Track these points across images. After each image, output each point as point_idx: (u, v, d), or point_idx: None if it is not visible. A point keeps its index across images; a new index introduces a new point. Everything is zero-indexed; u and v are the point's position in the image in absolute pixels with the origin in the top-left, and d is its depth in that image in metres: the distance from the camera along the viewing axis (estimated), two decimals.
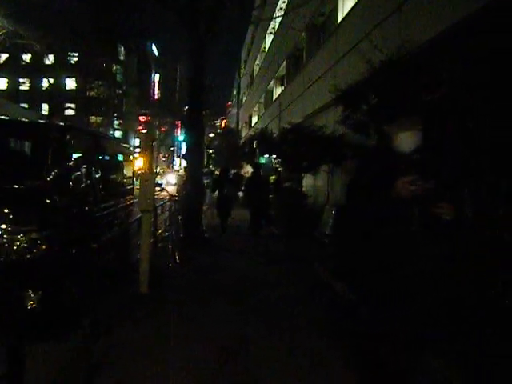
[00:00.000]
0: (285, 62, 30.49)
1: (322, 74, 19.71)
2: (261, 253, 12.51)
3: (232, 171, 24.36)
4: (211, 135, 66.89)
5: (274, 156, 24.29)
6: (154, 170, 69.78)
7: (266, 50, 41.04)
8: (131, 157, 10.98)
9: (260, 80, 45.10)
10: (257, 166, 15.74)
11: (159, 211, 13.02)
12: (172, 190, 24.98)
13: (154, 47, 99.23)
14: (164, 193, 15.39)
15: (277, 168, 23.18)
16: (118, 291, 7.92)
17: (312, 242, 13.94)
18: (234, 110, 77.42)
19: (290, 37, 28.45)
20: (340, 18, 18.38)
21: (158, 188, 11.90)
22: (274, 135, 26.41)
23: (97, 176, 7.29)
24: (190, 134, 13.24)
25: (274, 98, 35.75)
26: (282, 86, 35.06)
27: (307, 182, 19.45)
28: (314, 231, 14.69)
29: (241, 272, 10.49)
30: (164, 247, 11.72)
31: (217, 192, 16.53)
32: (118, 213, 8.80)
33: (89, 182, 6.91)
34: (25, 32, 33.37)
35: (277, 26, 34.58)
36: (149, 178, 8.31)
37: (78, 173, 6.58)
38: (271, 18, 31.20)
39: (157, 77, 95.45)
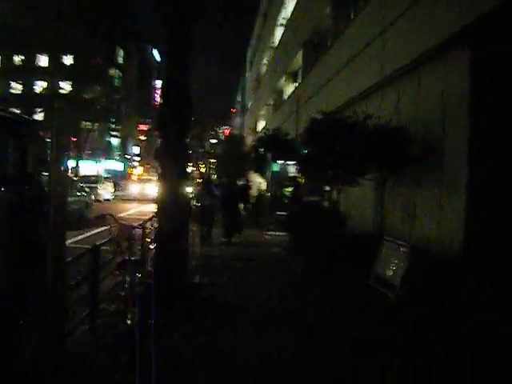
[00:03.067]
0: (301, 52, 25.67)
1: (360, 50, 14.59)
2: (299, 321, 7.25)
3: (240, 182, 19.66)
4: (213, 141, 62.27)
5: (291, 162, 19.14)
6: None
7: (276, 44, 36.64)
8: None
9: (268, 80, 41.27)
10: None
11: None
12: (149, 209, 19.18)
13: (155, 52, 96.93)
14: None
15: (294, 177, 17.91)
16: None
17: (366, 295, 8.76)
18: (239, 119, 73.86)
19: (306, 22, 23.99)
20: None
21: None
22: (289, 137, 21.42)
23: None
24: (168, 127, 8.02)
25: (286, 97, 31.12)
26: (294, 81, 30.72)
27: (344, 197, 13.93)
28: (359, 273, 9.55)
29: None
30: (112, 312, 6.53)
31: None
32: None
33: None
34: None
35: (289, 15, 30.22)
36: None
37: None
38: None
39: (158, 83, 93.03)
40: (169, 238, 7.57)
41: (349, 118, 11.10)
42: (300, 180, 17.71)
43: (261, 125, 46.00)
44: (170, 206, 7.55)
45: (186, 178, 8.06)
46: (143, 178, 51.07)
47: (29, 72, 39.20)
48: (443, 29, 9.26)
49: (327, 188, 14.16)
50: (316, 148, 11.49)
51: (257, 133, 46.08)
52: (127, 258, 5.28)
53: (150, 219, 10.93)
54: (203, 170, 52.72)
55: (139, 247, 8.28)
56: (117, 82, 68.22)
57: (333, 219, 11.85)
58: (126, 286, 5.20)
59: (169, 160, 7.60)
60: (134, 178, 49.03)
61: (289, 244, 14.15)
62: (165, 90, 8.03)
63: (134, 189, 43.41)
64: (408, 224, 10.74)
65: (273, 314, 7.44)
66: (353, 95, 14.92)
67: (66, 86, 47.77)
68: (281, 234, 17.68)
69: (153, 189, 29.59)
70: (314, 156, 11.75)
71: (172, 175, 7.59)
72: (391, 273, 8.47)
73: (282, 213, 18.87)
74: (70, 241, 11.81)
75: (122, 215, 18.00)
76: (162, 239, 7.65)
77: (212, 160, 54.43)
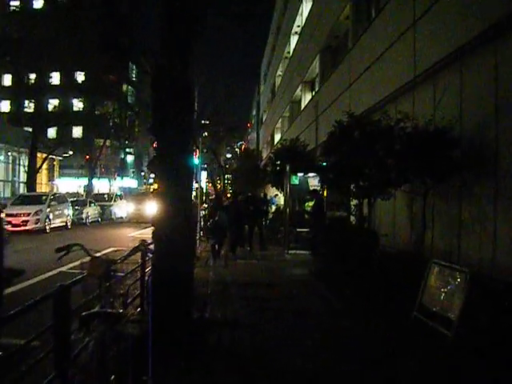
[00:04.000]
0: (317, 58, 24.28)
1: (386, 48, 13.10)
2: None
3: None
4: (228, 156, 61.07)
5: (311, 174, 17.61)
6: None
7: (291, 53, 35.42)
8: None
9: (283, 91, 39.83)
10: None
11: None
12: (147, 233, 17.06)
13: None
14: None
15: (315, 191, 16.32)
16: None
17: (415, 330, 7.13)
18: (254, 134, 73.06)
19: (323, 26, 22.65)
20: None
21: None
22: (308, 148, 19.94)
23: None
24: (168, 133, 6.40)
25: (303, 107, 29.62)
26: (311, 90, 29.48)
27: (374, 211, 12.27)
28: (400, 301, 7.96)
29: None
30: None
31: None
32: None
33: None
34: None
35: (304, 21, 28.90)
36: None
37: None
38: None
39: None
40: (169, 268, 6.04)
41: (381, 120, 9.58)
42: (322, 193, 16.14)
43: (277, 138, 44.49)
44: (170, 230, 6.01)
45: (190, 192, 6.55)
46: (141, 193, 47.96)
47: (41, 89, 38.33)
48: (496, 8, 7.75)
49: (354, 201, 12.60)
50: (342, 155, 9.96)
51: (273, 146, 44.69)
52: (100, 309, 3.73)
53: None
54: (219, 186, 51.39)
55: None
56: (130, 100, 68.16)
57: (365, 238, 10.29)
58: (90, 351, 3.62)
59: (168, 171, 6.07)
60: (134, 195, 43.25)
61: (316, 266, 12.62)
62: (156, 74, 6.40)
63: (128, 208, 36.23)
64: (454, 243, 9.15)
65: (311, 369, 5.79)
66: (380, 98, 13.38)
67: (78, 104, 47.23)
68: (303, 252, 16.17)
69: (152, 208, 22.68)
70: (339, 165, 10.23)
71: (172, 190, 6.05)
72: (444, 304, 6.84)
73: (303, 229, 17.36)
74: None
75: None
76: (160, 271, 6.11)
77: (228, 176, 53.18)
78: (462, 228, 8.93)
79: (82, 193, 52.37)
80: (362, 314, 8.19)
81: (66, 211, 27.61)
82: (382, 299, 8.45)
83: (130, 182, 71.83)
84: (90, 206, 33.56)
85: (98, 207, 35.04)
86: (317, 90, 25.40)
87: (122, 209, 39.12)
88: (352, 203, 12.70)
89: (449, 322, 6.54)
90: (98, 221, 34.31)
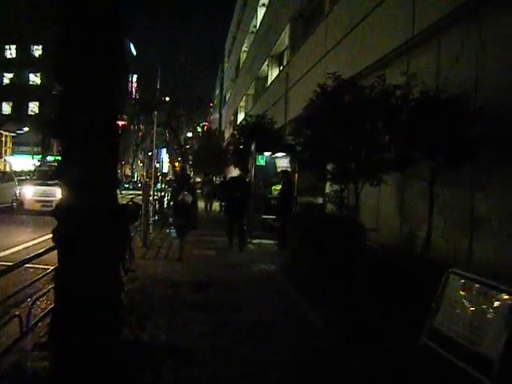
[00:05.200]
0: (287, 29, 22.33)
1: (374, 7, 11.13)
2: None
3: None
4: (189, 135, 58.79)
5: (280, 154, 15.66)
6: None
7: (257, 26, 33.55)
8: None
9: (248, 67, 38.10)
10: None
11: None
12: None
13: (131, 46, 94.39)
14: None
15: (286, 172, 14.28)
16: None
17: (427, 366, 5.16)
18: (217, 115, 71.71)
19: None
20: None
21: None
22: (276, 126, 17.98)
23: None
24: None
25: (269, 83, 27.85)
26: (279, 65, 27.70)
27: (362, 198, 9.96)
28: (399, 317, 6.09)
29: None
30: None
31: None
32: None
33: None
34: None
35: None
36: None
37: None
38: None
39: (134, 78, 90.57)
40: (82, 286, 3.93)
41: (374, 85, 7.62)
42: (293, 176, 14.19)
43: (240, 117, 42.49)
44: (81, 228, 3.88)
45: (112, 175, 4.28)
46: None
47: None
48: None
49: (330, 187, 10.67)
50: (325, 129, 7.97)
51: (236, 126, 42.87)
52: None
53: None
54: (178, 166, 49.00)
55: None
56: None
57: (348, 229, 8.37)
58: None
59: (77, 138, 3.90)
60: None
61: (284, 261, 10.70)
62: None
63: (28, 194, 21.63)
64: (462, 242, 7.32)
65: None
66: (363, 66, 11.43)
67: (35, 79, 44.33)
68: (269, 242, 14.24)
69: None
70: (320, 141, 8.26)
71: (84, 168, 3.89)
72: (472, 333, 4.94)
73: (269, 216, 15.43)
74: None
75: None
76: (67, 291, 3.99)
77: (190, 157, 50.89)
78: (476, 223, 7.10)
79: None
80: (346, 332, 6.24)
81: None
82: (372, 310, 6.58)
83: None
84: None
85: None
86: (286, 62, 23.41)
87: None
88: (330, 189, 10.76)
89: (479, 359, 4.64)
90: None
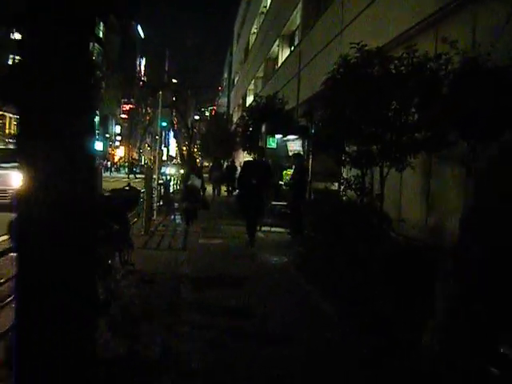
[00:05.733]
0: (300, 6, 21.17)
1: None
2: None
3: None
4: (197, 117, 57.99)
5: (292, 137, 14.72)
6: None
7: (268, 6, 32.66)
8: None
9: (258, 49, 36.97)
10: None
11: None
12: None
13: (139, 28, 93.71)
14: None
15: (299, 155, 13.32)
16: None
17: None
18: (225, 99, 70.05)
19: None
20: None
21: None
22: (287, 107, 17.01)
23: None
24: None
25: (279, 64, 27.02)
26: (290, 45, 26.55)
27: (388, 184, 8.79)
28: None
29: None
30: None
31: None
32: None
33: None
34: None
35: None
36: None
37: None
38: None
39: (143, 61, 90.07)
40: (50, 290, 3.05)
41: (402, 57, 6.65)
42: (306, 160, 13.25)
43: (249, 101, 41.52)
44: (44, 222, 2.98)
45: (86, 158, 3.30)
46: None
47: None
48: None
49: (349, 172, 9.72)
50: (348, 101, 7.02)
51: (245, 108, 42.04)
52: None
53: None
54: (185, 150, 48.08)
55: None
56: (95, 58, 64.61)
57: (370, 218, 7.48)
58: None
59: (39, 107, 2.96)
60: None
61: (298, 253, 9.83)
62: None
63: None
64: None
65: None
66: (387, 40, 10.42)
67: None
68: (279, 230, 13.37)
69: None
70: (340, 119, 7.32)
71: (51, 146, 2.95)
72: None
73: (280, 203, 14.56)
74: None
75: None
76: (30, 297, 3.10)
77: (198, 141, 50.08)
78: None
79: None
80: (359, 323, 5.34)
81: None
82: (387, 301, 5.68)
83: (96, 144, 68.08)
84: None
85: None
86: (298, 42, 22.34)
87: None
88: (348, 174, 9.82)
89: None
90: None
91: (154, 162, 17.03)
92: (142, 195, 11.52)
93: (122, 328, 5.19)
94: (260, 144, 15.21)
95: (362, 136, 7.21)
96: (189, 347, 4.92)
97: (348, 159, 8.24)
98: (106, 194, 7.04)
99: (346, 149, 8.24)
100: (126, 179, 37.09)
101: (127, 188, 7.82)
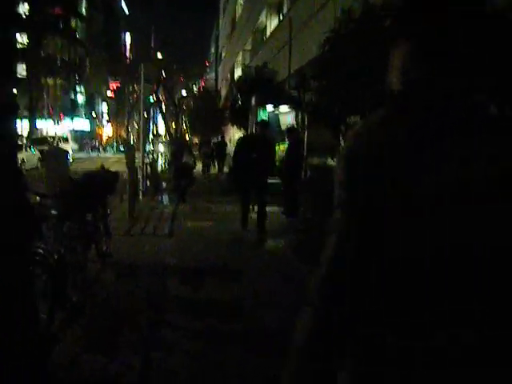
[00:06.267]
0: None
1: None
2: None
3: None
4: (184, 94, 56.82)
5: (283, 110, 13.83)
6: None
7: None
8: None
9: (245, 21, 36.06)
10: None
11: None
12: None
13: (123, 4, 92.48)
14: None
15: (292, 129, 12.47)
16: None
17: None
18: (212, 75, 70.77)
19: None
20: None
21: None
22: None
23: None
24: None
25: (268, 34, 26.09)
26: (278, 14, 25.71)
27: None
28: None
29: None
30: None
31: None
32: None
33: None
34: None
35: None
36: None
37: None
38: None
39: (128, 37, 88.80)
40: None
41: None
42: (300, 133, 12.38)
43: (238, 72, 40.58)
44: None
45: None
46: None
47: None
48: None
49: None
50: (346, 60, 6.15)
51: (233, 81, 41.17)
52: None
53: None
54: (172, 129, 46.95)
55: None
56: (79, 35, 63.58)
57: None
58: None
59: None
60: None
61: (295, 236, 9.05)
62: None
63: None
64: None
65: None
66: None
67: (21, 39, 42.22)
68: (272, 208, 12.53)
69: None
70: (345, 86, 6.45)
71: None
72: None
73: (273, 180, 13.71)
74: None
75: None
76: None
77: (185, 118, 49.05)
78: None
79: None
80: None
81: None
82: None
83: (83, 124, 66.95)
84: (26, 150, 28.49)
85: (38, 152, 29.89)
86: (287, 9, 21.38)
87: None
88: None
89: None
90: (37, 168, 28.95)
91: (138, 138, 16.10)
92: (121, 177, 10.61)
93: (94, 339, 4.37)
94: (250, 117, 14.34)
95: (363, 100, 6.37)
96: (173, 362, 4.09)
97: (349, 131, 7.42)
98: (76, 178, 6.16)
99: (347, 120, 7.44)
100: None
101: (101, 170, 6.95)
